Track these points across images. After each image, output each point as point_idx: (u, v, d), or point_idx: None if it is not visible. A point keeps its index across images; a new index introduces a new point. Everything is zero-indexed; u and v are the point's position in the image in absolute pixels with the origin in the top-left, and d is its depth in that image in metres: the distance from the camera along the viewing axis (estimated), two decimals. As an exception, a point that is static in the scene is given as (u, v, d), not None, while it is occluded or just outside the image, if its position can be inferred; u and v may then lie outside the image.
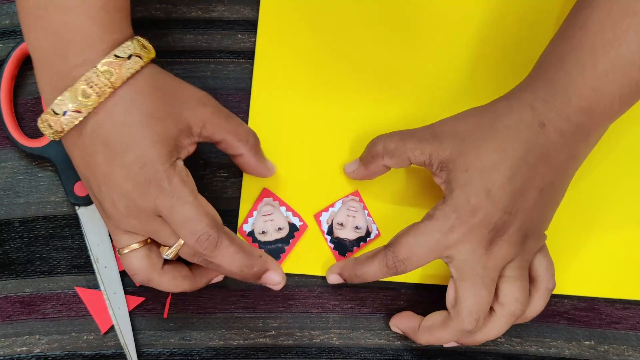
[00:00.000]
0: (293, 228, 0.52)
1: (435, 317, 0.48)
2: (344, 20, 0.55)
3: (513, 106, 0.46)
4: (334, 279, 0.50)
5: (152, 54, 0.45)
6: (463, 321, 0.45)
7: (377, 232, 0.53)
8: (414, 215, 0.51)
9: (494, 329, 0.46)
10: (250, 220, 0.52)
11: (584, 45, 0.44)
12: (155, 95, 0.44)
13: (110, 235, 0.52)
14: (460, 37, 0.55)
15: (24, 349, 0.51)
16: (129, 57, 0.43)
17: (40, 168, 0.53)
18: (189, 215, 0.43)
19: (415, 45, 0.55)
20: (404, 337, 0.52)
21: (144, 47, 0.44)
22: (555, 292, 0.50)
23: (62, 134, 0.43)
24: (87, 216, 0.52)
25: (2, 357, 0.51)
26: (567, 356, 0.52)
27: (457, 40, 0.55)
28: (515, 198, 0.44)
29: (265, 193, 0.53)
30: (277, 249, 0.52)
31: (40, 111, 0.54)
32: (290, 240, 0.52)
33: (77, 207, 0.52)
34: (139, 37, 0.44)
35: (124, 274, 0.52)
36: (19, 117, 0.54)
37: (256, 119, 0.54)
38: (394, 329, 0.51)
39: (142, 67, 0.43)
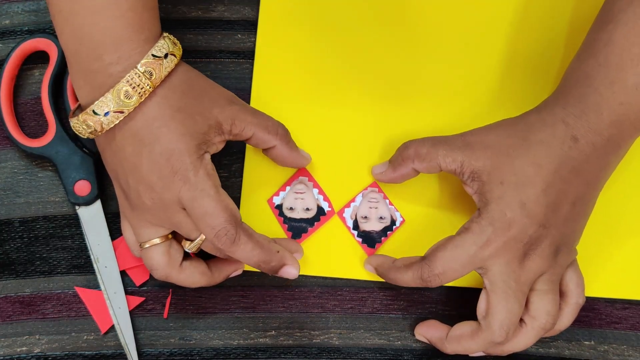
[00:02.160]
0: (320, 211, 0.53)
1: (465, 327, 0.48)
2: (345, 20, 0.55)
3: (546, 120, 0.46)
4: (369, 269, 0.51)
5: (181, 50, 0.46)
6: (494, 333, 0.46)
7: (401, 219, 0.53)
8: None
9: (522, 341, 0.47)
10: (281, 194, 0.53)
11: (610, 61, 0.45)
12: (186, 92, 0.45)
13: (110, 235, 0.52)
14: (455, 36, 0.55)
15: (24, 349, 0.51)
16: (165, 55, 0.44)
17: (40, 168, 0.53)
18: (208, 208, 0.44)
19: (415, 46, 0.55)
20: (403, 338, 0.52)
21: (174, 43, 0.45)
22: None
23: (99, 133, 0.44)
24: (87, 216, 0.52)
25: (2, 357, 0.51)
26: (567, 356, 0.52)
27: (451, 37, 0.55)
28: (549, 211, 0.45)
29: (302, 172, 0.53)
30: (300, 227, 0.53)
31: (40, 111, 0.54)
32: (315, 223, 0.53)
33: (77, 207, 0.52)
34: (168, 34, 0.45)
35: (124, 274, 0.52)
36: (19, 117, 0.54)
37: None
38: (418, 337, 0.51)
39: (176, 65, 0.45)
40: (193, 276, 0.47)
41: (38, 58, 0.54)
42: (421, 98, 0.54)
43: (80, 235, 0.53)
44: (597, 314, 0.53)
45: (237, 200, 0.53)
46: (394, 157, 0.51)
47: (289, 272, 0.48)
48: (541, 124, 0.46)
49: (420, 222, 0.53)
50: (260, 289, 0.52)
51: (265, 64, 0.54)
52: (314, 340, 0.52)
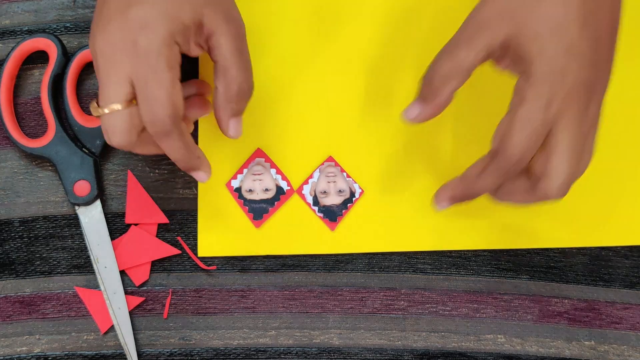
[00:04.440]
0: (280, 191, 0.53)
1: (519, 182, 0.44)
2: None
3: None
4: (445, 205, 0.47)
5: None
6: (551, 190, 0.43)
7: (360, 190, 0.53)
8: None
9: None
10: (239, 177, 0.53)
11: None
12: None
13: (110, 235, 0.52)
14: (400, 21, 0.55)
15: (24, 349, 0.51)
16: None
17: (40, 168, 0.53)
18: (157, 96, 0.43)
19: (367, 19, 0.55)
20: (403, 338, 0.52)
21: None
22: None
23: None
24: (87, 216, 0.52)
25: (2, 357, 0.51)
26: (567, 356, 0.52)
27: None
28: (594, 46, 0.41)
29: (258, 153, 0.53)
30: (261, 208, 0.53)
31: (40, 111, 0.54)
32: (275, 203, 0.53)
33: (77, 207, 0.52)
34: None
35: (123, 274, 0.52)
36: (19, 117, 0.54)
37: None
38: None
39: None
40: (152, 144, 0.46)
41: (38, 58, 0.54)
42: (373, 69, 0.54)
43: (80, 235, 0.53)
44: (597, 314, 0.53)
45: (193, 185, 0.53)
46: (423, 91, 0.45)
47: (200, 177, 0.48)
48: None
49: (379, 191, 0.53)
50: (260, 289, 0.53)
51: None
52: (314, 340, 0.52)
